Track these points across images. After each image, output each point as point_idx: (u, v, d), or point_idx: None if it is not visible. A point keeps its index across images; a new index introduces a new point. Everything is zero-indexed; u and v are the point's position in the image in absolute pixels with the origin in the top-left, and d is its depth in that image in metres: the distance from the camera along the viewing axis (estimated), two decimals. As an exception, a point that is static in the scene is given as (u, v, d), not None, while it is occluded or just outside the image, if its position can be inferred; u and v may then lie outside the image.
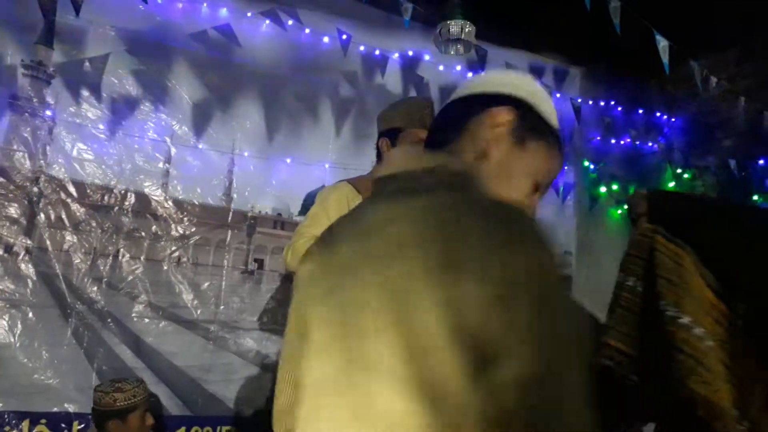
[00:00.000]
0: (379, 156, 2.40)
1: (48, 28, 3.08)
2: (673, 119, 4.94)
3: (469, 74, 4.22)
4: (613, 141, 4.80)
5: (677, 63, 3.21)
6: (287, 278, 3.51)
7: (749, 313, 1.03)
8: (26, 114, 3.03)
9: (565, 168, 4.57)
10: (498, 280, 0.60)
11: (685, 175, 4.94)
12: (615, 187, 4.83)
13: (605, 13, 2.95)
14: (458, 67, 4.16)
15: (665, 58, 3.08)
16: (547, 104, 0.96)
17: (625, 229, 4.86)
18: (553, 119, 0.96)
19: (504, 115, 0.90)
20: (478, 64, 3.83)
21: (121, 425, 2.53)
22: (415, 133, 2.25)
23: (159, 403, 3.04)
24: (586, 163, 4.78)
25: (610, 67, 4.73)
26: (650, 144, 4.94)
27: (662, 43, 3.08)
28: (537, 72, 4.45)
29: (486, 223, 0.65)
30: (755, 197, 4.52)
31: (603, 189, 4.80)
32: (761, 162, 4.47)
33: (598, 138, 4.78)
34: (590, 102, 4.65)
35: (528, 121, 0.91)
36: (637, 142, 4.80)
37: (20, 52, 3.03)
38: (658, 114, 4.91)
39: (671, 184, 4.97)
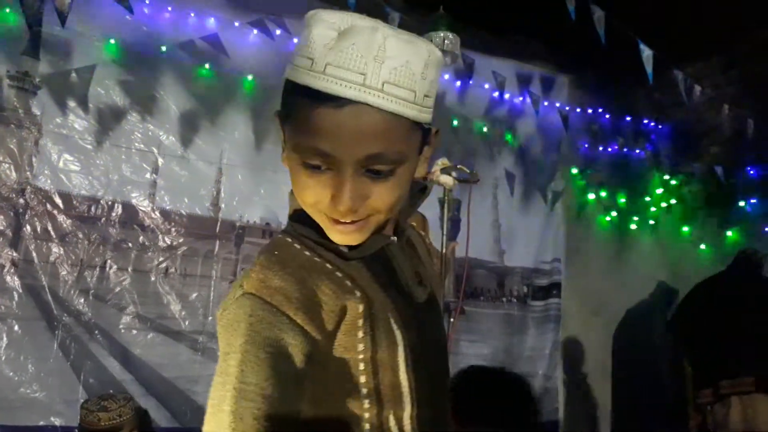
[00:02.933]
0: None
1: (34, 39, 3.07)
2: (660, 126, 4.98)
3: (457, 83, 4.24)
4: (600, 148, 4.83)
5: (663, 70, 3.24)
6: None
7: None
8: (12, 125, 3.01)
9: (556, 175, 4.60)
10: None
11: (673, 182, 4.98)
12: (603, 193, 4.85)
13: (591, 22, 2.97)
14: (446, 76, 4.18)
15: (649, 67, 3.10)
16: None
17: (612, 235, 4.89)
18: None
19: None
20: (466, 72, 3.85)
21: None
22: None
23: (147, 415, 3.01)
24: (575, 170, 4.80)
25: (597, 75, 4.77)
26: (638, 151, 4.98)
27: (646, 53, 3.11)
28: (525, 80, 4.47)
29: None
30: (741, 203, 4.55)
31: (591, 196, 4.82)
32: (747, 169, 4.51)
33: (586, 145, 4.80)
34: (578, 109, 4.68)
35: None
36: (625, 149, 4.83)
37: (6, 63, 3.02)
38: (645, 121, 4.95)
39: (659, 191, 5.01)
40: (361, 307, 0.83)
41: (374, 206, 0.80)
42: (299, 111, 0.76)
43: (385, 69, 0.73)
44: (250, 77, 3.53)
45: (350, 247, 0.87)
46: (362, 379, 0.82)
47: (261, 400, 0.73)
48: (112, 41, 3.20)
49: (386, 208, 0.81)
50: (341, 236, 0.83)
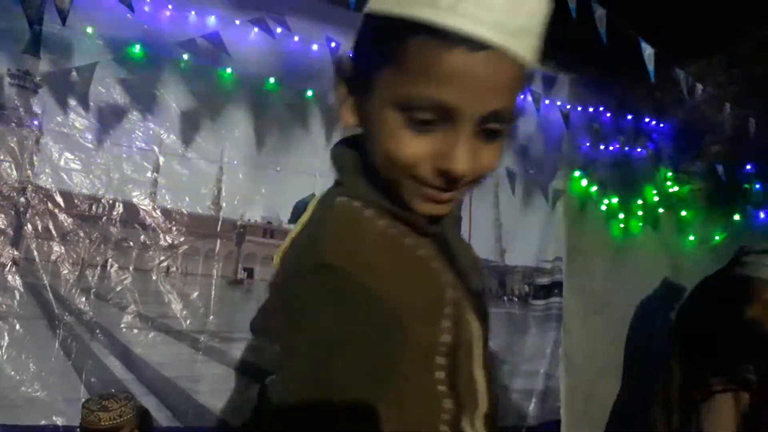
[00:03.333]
0: None
1: (34, 37, 3.06)
2: (661, 125, 4.98)
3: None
4: (602, 147, 4.83)
5: (665, 68, 3.24)
6: (277, 287, 3.50)
7: None
8: (12, 124, 3.01)
9: (557, 173, 4.59)
10: None
11: (674, 181, 4.98)
12: (604, 192, 4.85)
13: (592, 20, 2.96)
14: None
15: (651, 66, 3.10)
16: None
17: (615, 234, 4.89)
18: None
19: None
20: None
21: None
22: None
23: (148, 414, 3.01)
24: (576, 169, 4.79)
25: (598, 74, 4.76)
26: (639, 150, 4.97)
27: (647, 51, 3.10)
28: (525, 78, 4.46)
29: None
30: (742, 201, 4.55)
31: (592, 194, 4.82)
32: (748, 167, 4.51)
33: (588, 144, 4.80)
34: (579, 108, 4.67)
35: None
36: (626, 148, 4.83)
37: (6, 62, 3.01)
38: (646, 120, 4.95)
39: (660, 190, 5.01)
40: (449, 292, 0.73)
41: (479, 171, 0.70)
42: (411, 54, 0.63)
43: (522, 13, 0.63)
44: (250, 75, 3.52)
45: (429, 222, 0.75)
46: (439, 374, 0.71)
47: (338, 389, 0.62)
48: (113, 39, 3.19)
49: (486, 175, 0.72)
50: (430, 206, 0.71)
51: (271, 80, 3.55)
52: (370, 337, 0.63)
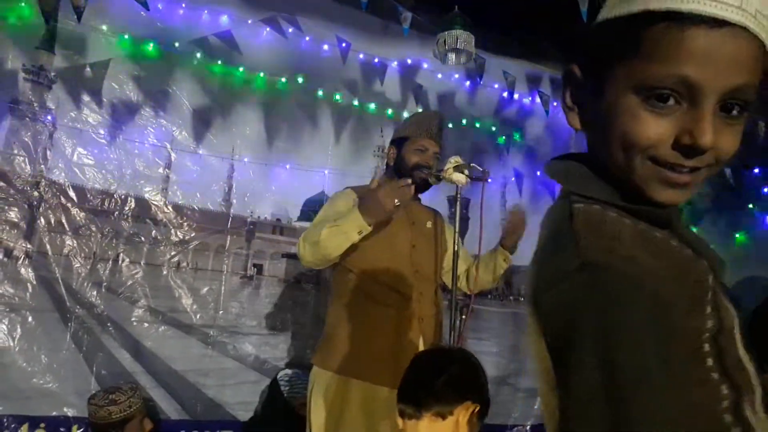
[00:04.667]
0: (387, 165, 2.45)
1: (49, 34, 3.10)
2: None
3: (467, 82, 4.26)
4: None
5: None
6: (286, 283, 3.53)
7: None
8: (27, 118, 3.05)
9: None
10: None
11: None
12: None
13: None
14: (456, 75, 4.20)
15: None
16: None
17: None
18: None
19: None
20: (477, 72, 3.87)
21: None
22: (420, 142, 2.30)
23: (157, 407, 3.04)
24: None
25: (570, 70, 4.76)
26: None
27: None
28: (534, 81, 4.48)
29: None
30: (750, 205, 4.56)
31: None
32: (756, 171, 4.52)
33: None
34: (587, 110, 4.68)
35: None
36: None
37: (21, 57, 3.05)
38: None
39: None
40: (710, 278, 0.72)
41: (719, 153, 0.70)
42: (653, 39, 0.67)
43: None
44: (262, 74, 3.56)
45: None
46: (709, 362, 0.69)
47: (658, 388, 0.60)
48: (126, 36, 3.23)
49: (727, 159, 0.71)
50: (670, 192, 0.71)
51: (282, 79, 3.59)
52: (643, 327, 0.63)
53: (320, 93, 3.70)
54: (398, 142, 2.36)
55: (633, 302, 0.63)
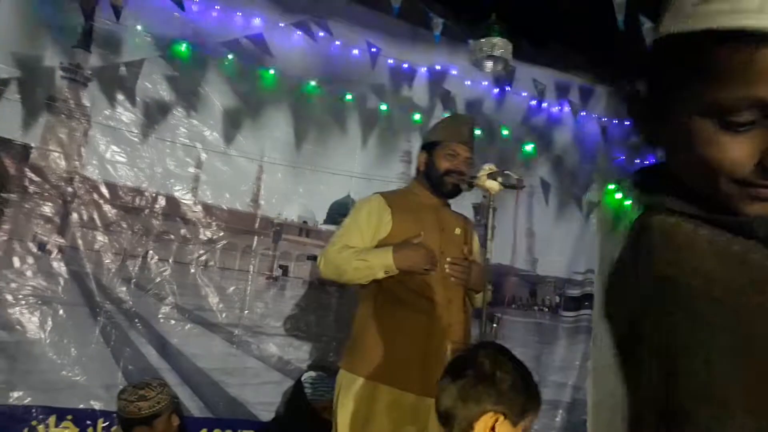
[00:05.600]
0: (417, 170, 2.45)
1: (87, 32, 3.16)
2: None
3: (495, 90, 4.25)
4: (637, 161, 4.79)
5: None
6: (311, 285, 3.54)
7: None
8: (63, 115, 3.10)
9: (592, 185, 4.58)
10: None
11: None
12: (639, 206, 4.80)
13: (634, 32, 2.96)
14: (485, 83, 4.19)
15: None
16: None
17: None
18: None
19: None
20: (506, 79, 3.86)
21: (148, 430, 2.56)
22: (451, 147, 2.30)
23: (181, 404, 3.06)
24: (611, 182, 4.76)
25: (636, 87, 4.72)
26: (675, 165, 4.92)
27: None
28: (563, 90, 4.46)
29: None
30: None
31: (627, 208, 4.78)
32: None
33: (623, 157, 4.77)
34: (615, 121, 4.66)
35: None
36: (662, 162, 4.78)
37: (59, 55, 3.11)
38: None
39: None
40: None
41: None
42: (721, 60, 0.64)
43: None
44: (292, 77, 3.58)
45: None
46: None
47: None
48: (161, 37, 3.27)
49: None
50: (758, 206, 0.70)
51: (312, 83, 3.61)
52: (711, 341, 0.63)
53: (348, 97, 3.72)
54: (429, 147, 2.37)
55: (703, 316, 0.63)
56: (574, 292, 4.45)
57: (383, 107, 3.83)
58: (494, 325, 1.97)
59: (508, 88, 4.12)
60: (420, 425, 2.11)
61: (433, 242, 2.25)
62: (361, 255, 2.13)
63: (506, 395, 1.35)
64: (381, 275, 2.11)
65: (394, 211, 2.25)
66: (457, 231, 2.38)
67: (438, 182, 2.31)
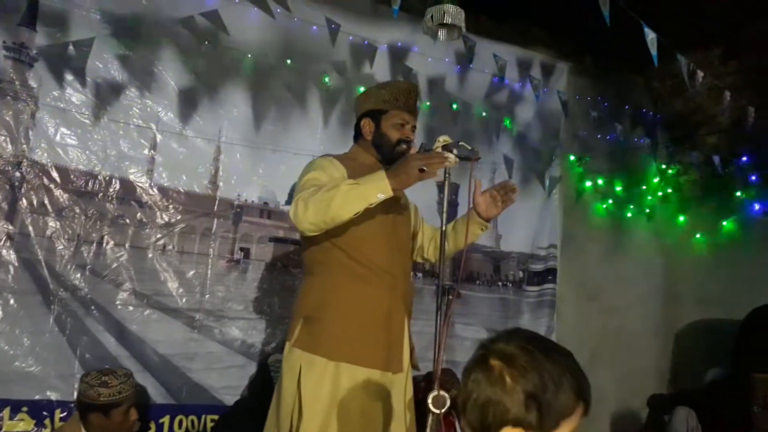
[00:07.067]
0: (356, 136, 2.38)
1: (31, 10, 3.01)
2: (658, 115, 4.99)
3: (457, 67, 4.22)
4: (599, 136, 4.83)
5: (663, 59, 3.23)
6: (273, 267, 3.50)
7: None
8: (8, 97, 2.97)
9: (554, 161, 4.60)
10: None
11: (670, 171, 5.00)
12: (600, 181, 4.86)
13: (594, 7, 2.95)
14: (447, 59, 4.16)
15: (654, 50, 3.09)
16: None
17: (609, 222, 4.91)
18: None
19: None
20: (467, 56, 3.83)
21: (103, 419, 2.50)
22: (399, 115, 2.26)
23: (144, 392, 3.01)
24: (572, 157, 4.80)
25: (597, 63, 4.76)
26: (636, 139, 4.99)
27: (650, 36, 3.09)
28: (525, 66, 4.46)
29: None
30: (738, 193, 4.58)
31: (588, 183, 4.84)
32: (744, 158, 4.53)
33: (585, 132, 4.80)
34: (577, 97, 4.68)
35: None
36: (623, 138, 4.84)
37: (2, 34, 2.96)
38: (644, 110, 4.96)
39: (656, 180, 5.03)
40: None
41: None
42: None
43: None
44: (249, 55, 3.49)
45: None
46: None
47: None
48: (111, 14, 3.15)
49: None
50: None
51: (271, 61, 3.52)
52: None
53: (309, 75, 3.64)
54: (374, 114, 2.30)
55: None
56: (538, 267, 4.49)
57: (344, 85, 3.77)
58: (450, 297, 1.92)
59: (470, 65, 4.09)
60: (384, 401, 2.10)
61: (388, 212, 2.17)
62: (349, 181, 1.96)
63: (526, 402, 1.04)
64: (374, 201, 1.91)
65: (348, 172, 2.16)
66: (402, 200, 2.35)
67: (388, 151, 2.25)
